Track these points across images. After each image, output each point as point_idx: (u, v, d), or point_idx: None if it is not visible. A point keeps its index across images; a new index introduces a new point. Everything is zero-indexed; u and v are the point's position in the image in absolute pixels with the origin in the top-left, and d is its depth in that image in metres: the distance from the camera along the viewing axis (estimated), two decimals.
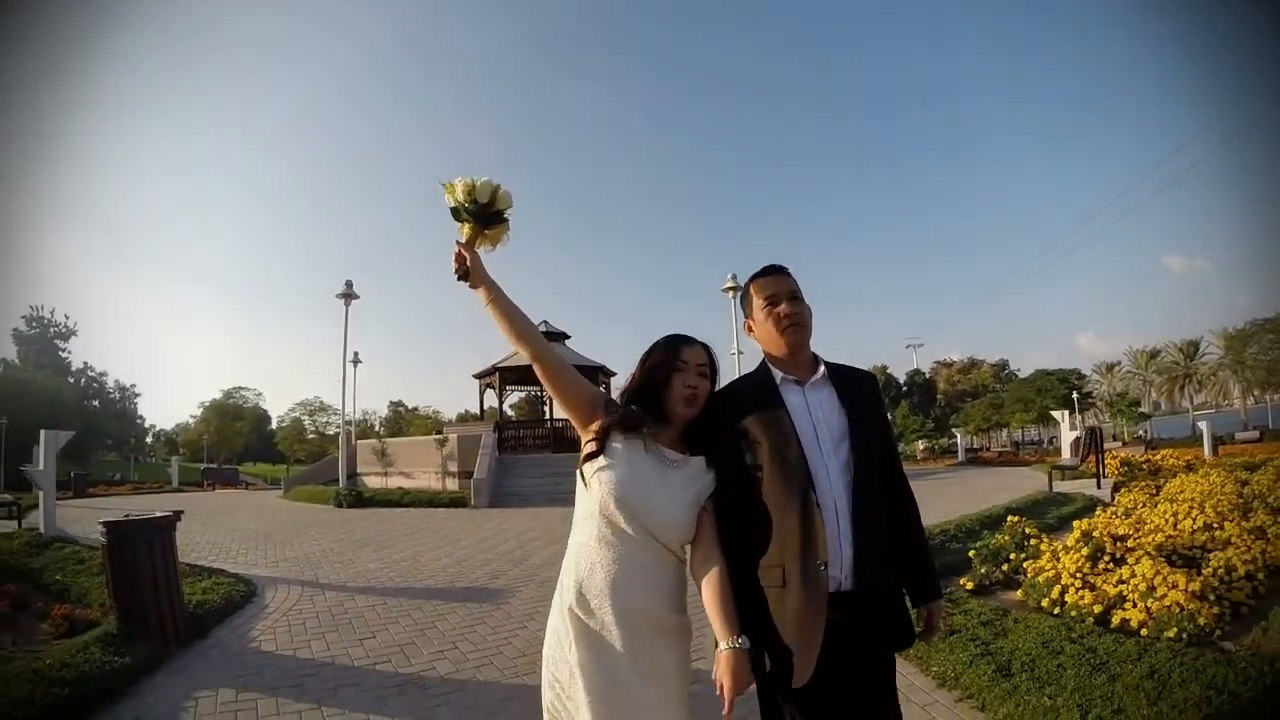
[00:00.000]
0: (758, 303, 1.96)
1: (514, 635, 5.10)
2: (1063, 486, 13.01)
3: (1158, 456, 17.28)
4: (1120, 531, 6.04)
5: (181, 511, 5.24)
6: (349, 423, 20.73)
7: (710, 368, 1.88)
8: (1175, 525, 6.71)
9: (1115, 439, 44.23)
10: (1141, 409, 56.09)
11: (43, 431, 9.31)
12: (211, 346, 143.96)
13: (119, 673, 4.09)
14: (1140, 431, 49.31)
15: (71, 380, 59.15)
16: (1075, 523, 6.29)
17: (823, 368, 1.93)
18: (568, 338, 25.36)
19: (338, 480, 19.14)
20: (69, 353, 61.67)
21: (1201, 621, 4.03)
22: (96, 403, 60.36)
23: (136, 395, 68.67)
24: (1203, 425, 21.08)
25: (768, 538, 1.77)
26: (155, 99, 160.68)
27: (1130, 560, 5.05)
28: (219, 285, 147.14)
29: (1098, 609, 4.50)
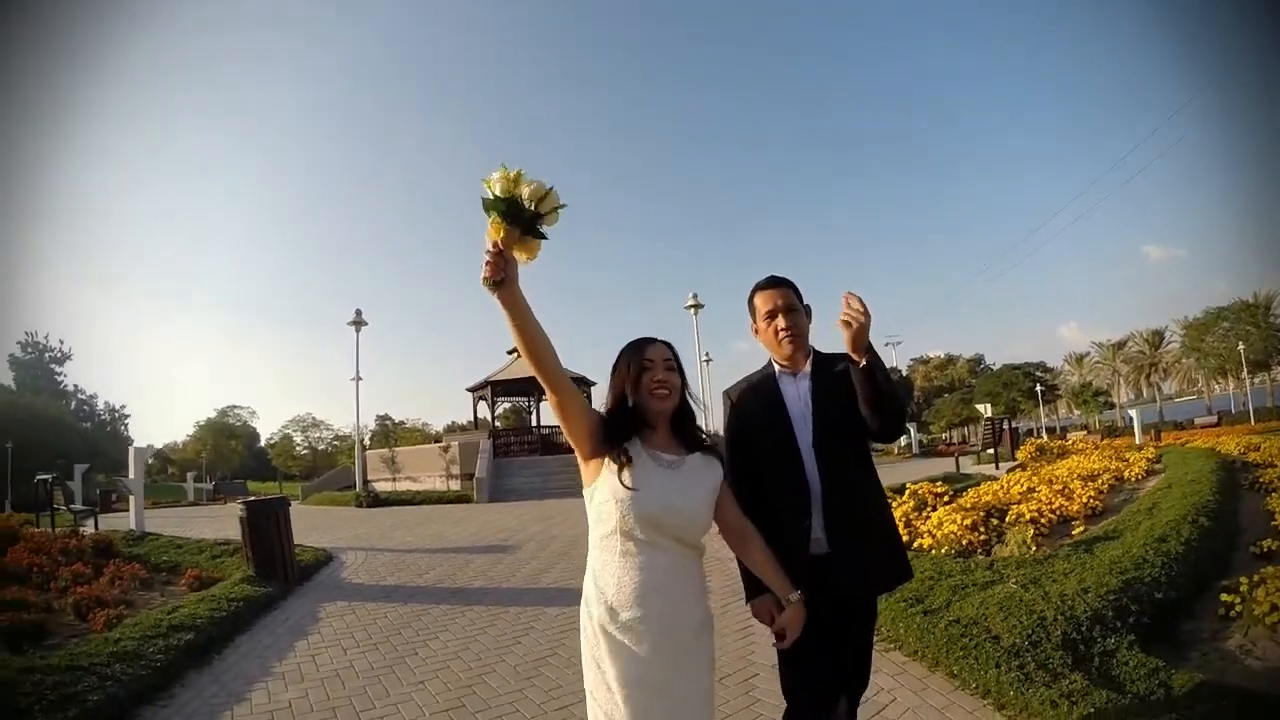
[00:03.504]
0: (760, 314, 2.16)
1: (523, 567, 7.59)
2: (973, 469, 15.34)
3: (1069, 442, 19.54)
4: (956, 495, 8.33)
5: (288, 497, 7.50)
6: (354, 436, 22.93)
7: (676, 361, 1.89)
8: (1007, 491, 9.05)
9: (1084, 429, 46.10)
10: (1110, 399, 57.86)
11: (131, 447, 11.31)
12: (196, 364, 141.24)
13: (268, 595, 6.43)
14: (1110, 420, 50.76)
15: (64, 403, 59.52)
16: (909, 485, 8.55)
17: (810, 360, 2.15)
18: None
19: (351, 487, 21.55)
20: (64, 376, 62.21)
21: (964, 543, 6.32)
22: (88, 425, 60.87)
23: (126, 417, 69.05)
24: (1132, 414, 23.60)
25: (768, 504, 2.04)
26: (147, 115, 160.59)
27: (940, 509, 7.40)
28: (205, 301, 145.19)
29: (906, 538, 6.79)
